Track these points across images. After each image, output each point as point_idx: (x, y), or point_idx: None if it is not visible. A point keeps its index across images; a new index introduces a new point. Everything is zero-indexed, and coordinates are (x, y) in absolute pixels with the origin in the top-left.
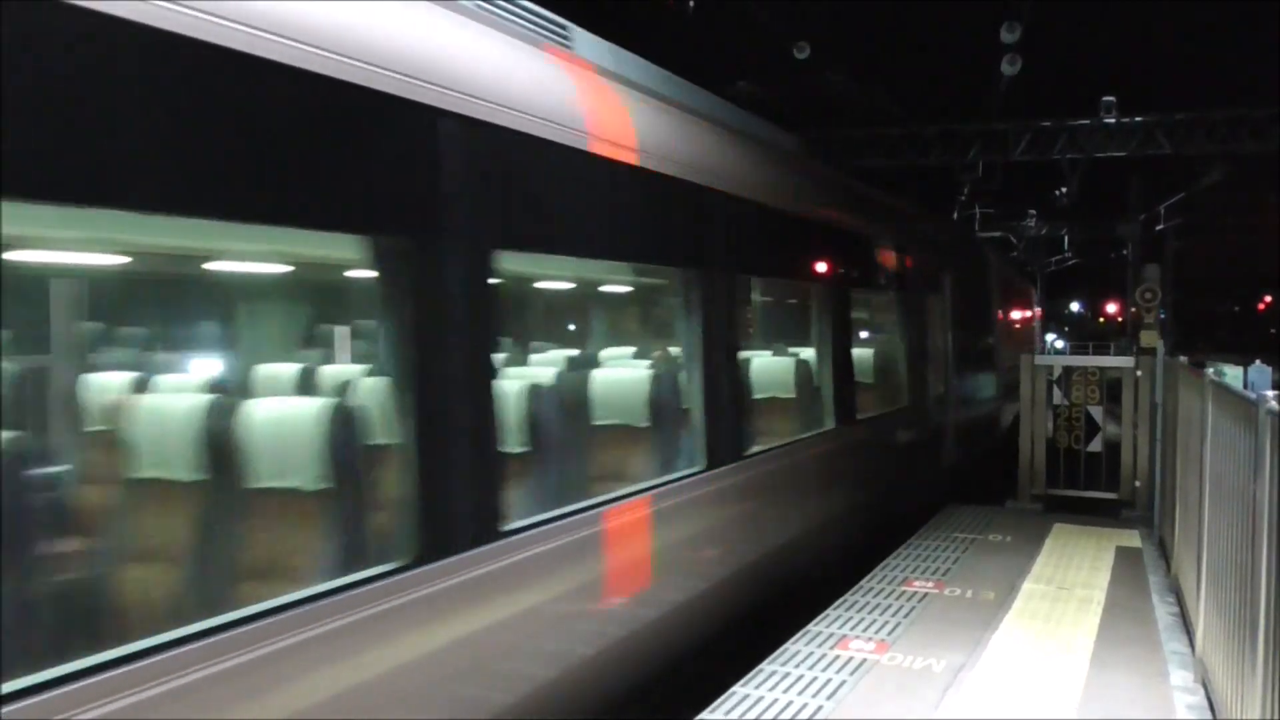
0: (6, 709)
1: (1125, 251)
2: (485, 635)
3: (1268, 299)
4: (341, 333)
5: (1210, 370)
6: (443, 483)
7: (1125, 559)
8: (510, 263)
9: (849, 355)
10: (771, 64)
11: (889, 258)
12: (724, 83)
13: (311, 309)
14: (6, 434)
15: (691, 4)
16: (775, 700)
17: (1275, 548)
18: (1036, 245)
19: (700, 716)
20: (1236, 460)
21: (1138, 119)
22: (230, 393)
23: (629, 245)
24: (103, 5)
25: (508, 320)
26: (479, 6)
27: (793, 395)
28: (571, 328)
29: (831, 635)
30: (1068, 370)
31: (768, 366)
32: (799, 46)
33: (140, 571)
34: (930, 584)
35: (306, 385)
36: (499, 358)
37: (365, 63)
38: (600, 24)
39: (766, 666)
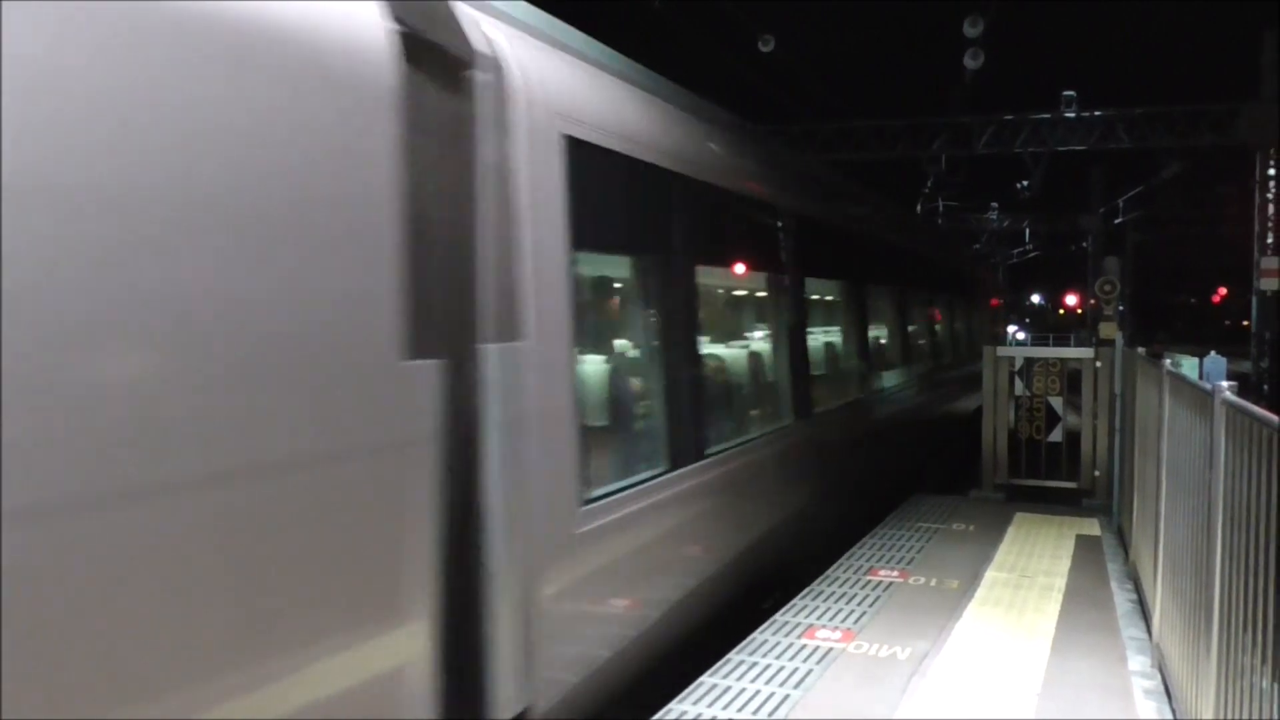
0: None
1: (1085, 244)
2: None
3: (1223, 291)
4: None
5: (1167, 361)
6: None
7: (1085, 547)
8: None
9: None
10: (737, 57)
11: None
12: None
13: None
14: None
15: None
16: (744, 690)
17: (1229, 535)
18: (999, 238)
19: (669, 706)
20: (1192, 449)
21: (1098, 113)
22: None
23: None
24: None
25: None
26: None
27: None
28: None
29: (798, 625)
30: (1029, 361)
31: None
32: (764, 40)
33: None
34: (895, 573)
35: None
36: None
37: None
38: (571, 18)
39: (734, 656)
